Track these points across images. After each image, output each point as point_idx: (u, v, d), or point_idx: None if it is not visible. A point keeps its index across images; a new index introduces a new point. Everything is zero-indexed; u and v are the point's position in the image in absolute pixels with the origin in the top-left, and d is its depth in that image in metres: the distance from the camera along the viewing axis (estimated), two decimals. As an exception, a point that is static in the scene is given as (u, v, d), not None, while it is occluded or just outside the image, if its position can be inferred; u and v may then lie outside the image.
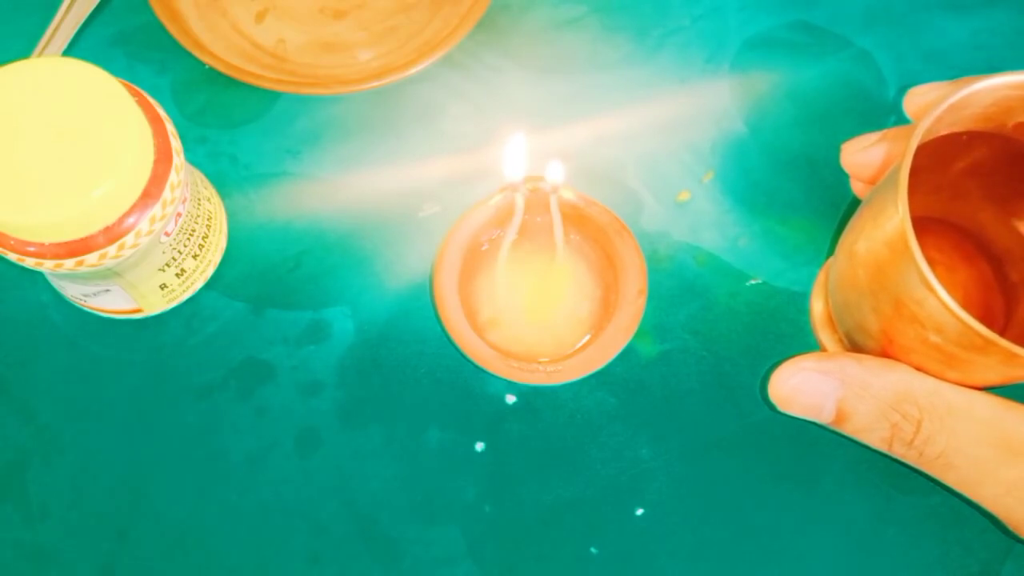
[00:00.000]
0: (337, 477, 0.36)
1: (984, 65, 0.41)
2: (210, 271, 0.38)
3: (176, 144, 0.33)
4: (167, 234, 0.34)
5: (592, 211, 0.37)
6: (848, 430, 0.31)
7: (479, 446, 0.36)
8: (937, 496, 0.35)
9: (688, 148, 0.41)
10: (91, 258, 0.31)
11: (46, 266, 0.31)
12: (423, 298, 0.38)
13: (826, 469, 0.36)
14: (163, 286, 0.36)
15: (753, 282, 0.39)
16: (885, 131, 0.34)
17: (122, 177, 0.30)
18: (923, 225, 0.33)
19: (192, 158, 0.37)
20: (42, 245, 0.31)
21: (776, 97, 0.42)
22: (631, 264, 0.36)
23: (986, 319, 0.28)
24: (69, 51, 0.42)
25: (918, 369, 0.30)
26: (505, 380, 0.35)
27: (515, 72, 0.43)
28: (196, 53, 0.40)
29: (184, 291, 0.37)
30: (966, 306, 0.27)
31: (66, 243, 0.31)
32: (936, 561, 0.35)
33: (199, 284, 0.38)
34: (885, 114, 0.42)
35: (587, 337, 0.37)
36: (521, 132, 0.36)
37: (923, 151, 0.29)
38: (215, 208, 0.38)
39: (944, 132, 0.31)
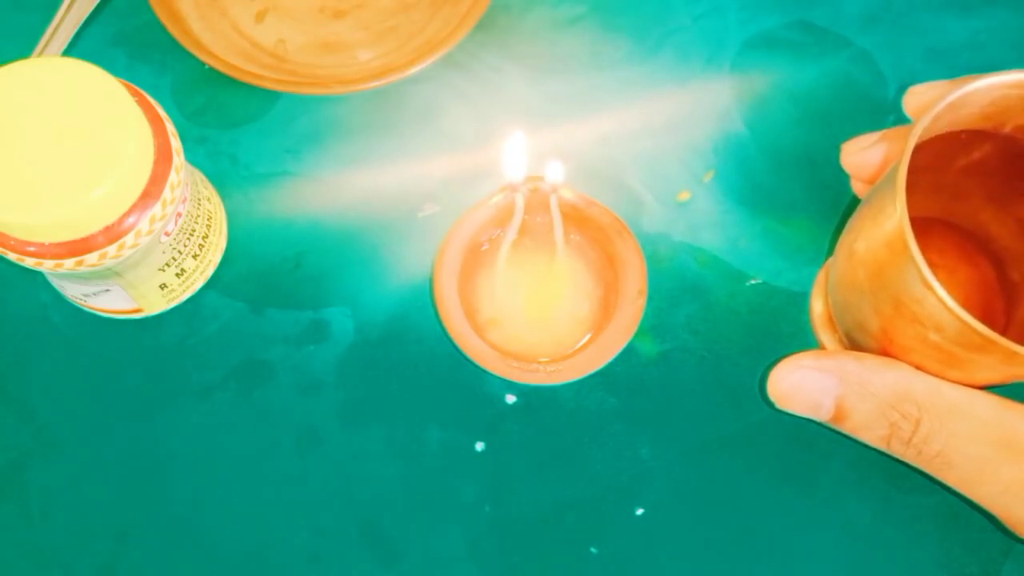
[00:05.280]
0: (337, 477, 0.36)
1: (984, 65, 0.41)
2: (210, 271, 0.38)
3: (176, 144, 0.33)
4: (167, 234, 0.34)
5: (592, 211, 0.37)
6: (847, 428, 0.31)
7: (479, 446, 0.36)
8: (937, 496, 0.35)
9: (688, 148, 0.41)
10: (91, 258, 0.31)
11: (46, 266, 0.31)
12: (423, 298, 0.38)
13: (826, 469, 0.36)
14: (163, 286, 0.36)
15: (753, 282, 0.39)
16: (885, 131, 0.34)
17: (122, 177, 0.30)
18: (923, 225, 0.33)
19: (192, 158, 0.37)
20: (42, 245, 0.31)
21: (776, 97, 0.42)
22: (631, 264, 0.36)
23: (987, 319, 0.28)
24: (69, 51, 0.42)
25: (918, 368, 0.30)
26: (505, 380, 0.35)
27: (515, 72, 0.43)
28: (196, 53, 0.40)
29: (184, 291, 0.37)
30: (967, 306, 0.27)
31: (66, 243, 0.31)
32: (936, 561, 0.35)
33: (199, 284, 0.38)
34: (885, 114, 0.42)
35: (587, 337, 0.37)
36: (521, 132, 0.36)
37: (922, 150, 0.29)
38: (215, 208, 0.38)
39: (943, 131, 0.31)
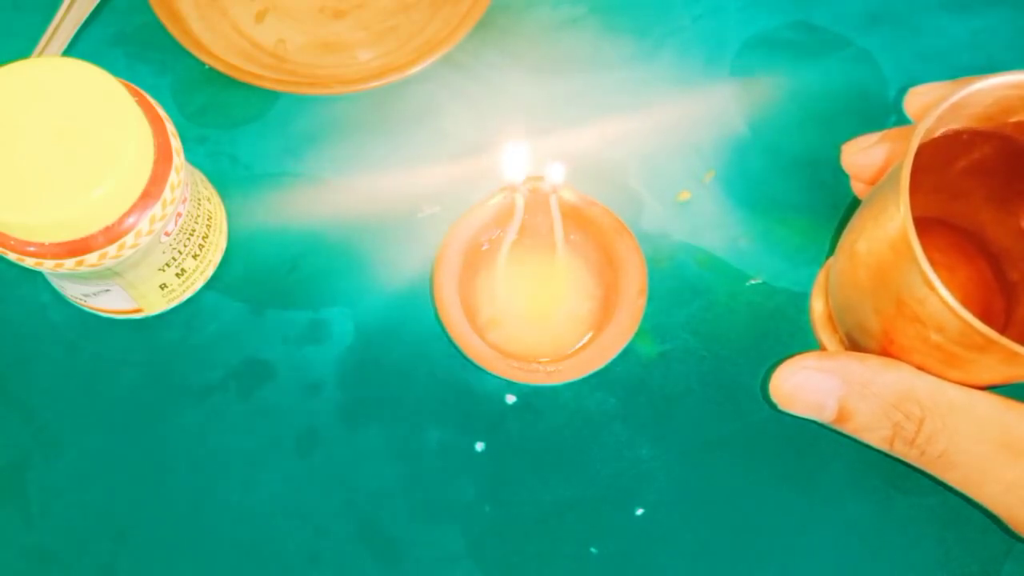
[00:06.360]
0: (337, 477, 0.36)
1: (984, 65, 0.41)
2: (210, 271, 0.38)
3: (176, 144, 0.33)
4: (167, 234, 0.34)
5: (592, 211, 0.37)
6: (849, 429, 0.31)
7: (479, 446, 0.36)
8: (937, 496, 0.35)
9: (688, 148, 0.41)
10: (91, 258, 0.31)
11: (46, 266, 0.31)
12: (423, 298, 0.38)
13: (826, 469, 0.36)
14: (163, 286, 0.36)
15: (753, 282, 0.39)
16: (885, 131, 0.34)
17: (122, 177, 0.30)
18: (924, 225, 0.33)
19: (192, 158, 0.37)
20: (42, 245, 0.31)
21: (776, 97, 0.42)
22: (631, 264, 0.36)
23: (986, 318, 0.28)
24: (69, 51, 0.42)
25: (919, 368, 0.30)
26: (505, 380, 0.35)
27: (515, 72, 0.43)
28: (196, 53, 0.40)
29: (184, 291, 0.37)
30: (966, 305, 0.27)
31: (66, 243, 0.31)
32: (936, 561, 0.35)
33: (199, 284, 0.38)
34: (885, 114, 0.42)
35: (587, 337, 0.37)
36: (521, 132, 0.36)
37: (923, 151, 0.29)
38: (215, 208, 0.38)
39: (944, 132, 0.31)
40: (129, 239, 0.31)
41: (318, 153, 0.41)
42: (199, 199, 0.36)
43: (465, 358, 0.35)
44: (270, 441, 0.36)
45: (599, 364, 0.35)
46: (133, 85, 0.33)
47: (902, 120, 0.36)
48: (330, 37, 0.43)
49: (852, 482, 0.36)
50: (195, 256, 0.36)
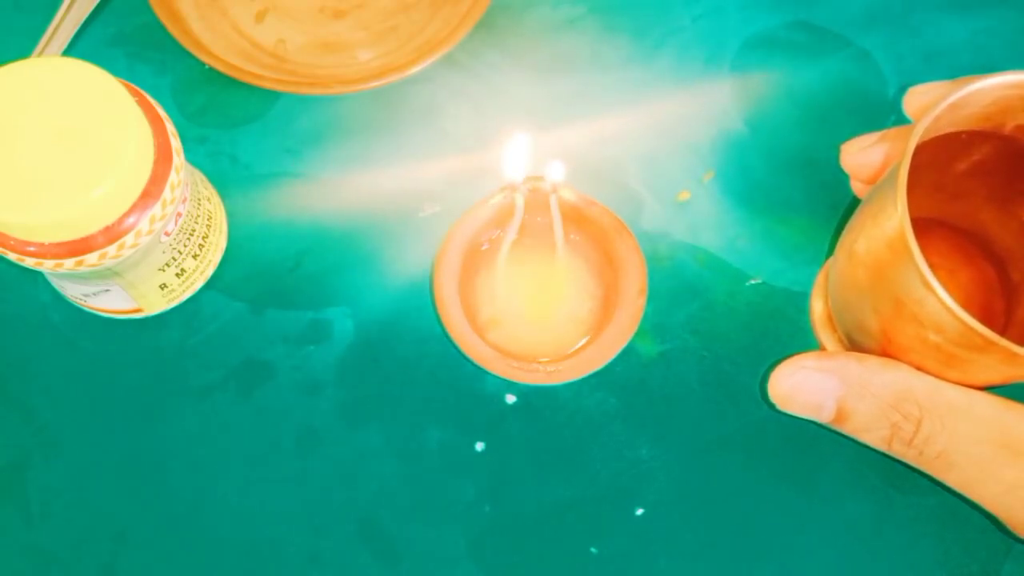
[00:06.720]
0: (337, 477, 0.36)
1: (984, 65, 0.41)
2: (210, 271, 0.38)
3: (176, 144, 0.33)
4: (167, 234, 0.34)
5: (592, 211, 0.37)
6: (848, 429, 0.31)
7: (479, 446, 0.36)
8: (937, 496, 0.35)
9: (688, 148, 0.41)
10: (91, 258, 0.31)
11: (46, 266, 0.31)
12: (423, 298, 0.38)
13: (826, 469, 0.36)
14: (163, 286, 0.36)
15: (753, 282, 0.39)
16: (884, 131, 0.34)
17: (122, 177, 0.30)
18: (924, 226, 0.33)
19: (192, 158, 0.37)
20: (42, 245, 0.31)
21: (776, 97, 0.42)
22: (631, 264, 0.36)
23: (987, 319, 0.28)
24: (69, 51, 0.42)
25: (918, 368, 0.30)
26: (505, 380, 0.35)
27: (515, 72, 0.43)
28: (196, 53, 0.40)
29: (184, 291, 0.37)
30: (967, 306, 0.27)
31: (66, 243, 0.31)
32: (936, 561, 0.35)
33: (199, 284, 0.38)
34: (885, 114, 0.42)
35: (587, 337, 0.37)
36: (521, 132, 0.36)
37: (922, 151, 0.29)
38: (215, 208, 0.38)
39: (943, 131, 0.31)
40: (129, 239, 0.31)
41: (318, 153, 0.41)
42: (199, 199, 0.36)
43: (465, 358, 0.35)
44: (270, 441, 0.36)
45: (599, 364, 0.35)
46: (133, 85, 0.33)
47: (901, 120, 0.36)
48: (330, 37, 0.43)
49: (851, 482, 0.36)
50: (195, 256, 0.36)
